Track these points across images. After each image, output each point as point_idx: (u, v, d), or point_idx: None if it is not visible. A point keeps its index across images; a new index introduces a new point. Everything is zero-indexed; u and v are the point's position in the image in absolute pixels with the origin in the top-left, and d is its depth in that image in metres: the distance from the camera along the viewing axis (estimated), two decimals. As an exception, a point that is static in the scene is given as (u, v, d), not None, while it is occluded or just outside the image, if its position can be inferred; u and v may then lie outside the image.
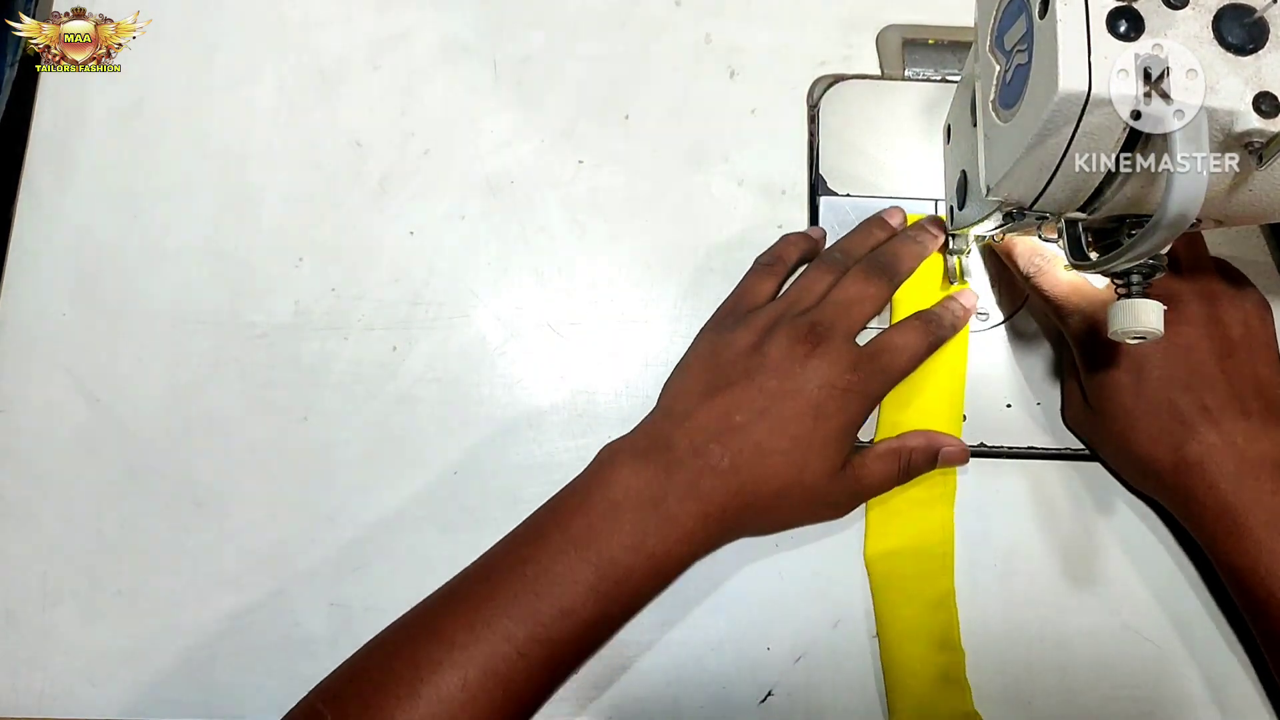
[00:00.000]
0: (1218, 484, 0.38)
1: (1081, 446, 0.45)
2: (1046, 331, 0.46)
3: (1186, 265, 0.42)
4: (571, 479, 0.40)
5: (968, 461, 0.44)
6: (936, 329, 0.43)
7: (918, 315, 0.43)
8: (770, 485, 0.39)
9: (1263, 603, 0.38)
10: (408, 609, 0.37)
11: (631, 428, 0.42)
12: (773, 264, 0.46)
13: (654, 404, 0.43)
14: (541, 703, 0.38)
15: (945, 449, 0.43)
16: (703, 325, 0.45)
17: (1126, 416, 0.40)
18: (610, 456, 0.40)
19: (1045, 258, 0.43)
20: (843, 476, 0.41)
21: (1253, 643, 0.41)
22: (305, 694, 0.36)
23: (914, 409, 0.44)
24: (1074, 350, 0.43)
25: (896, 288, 0.44)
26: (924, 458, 0.42)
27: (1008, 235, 0.45)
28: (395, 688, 0.34)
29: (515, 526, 0.39)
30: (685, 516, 0.38)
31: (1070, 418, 0.45)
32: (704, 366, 0.42)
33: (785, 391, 0.39)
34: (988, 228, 0.41)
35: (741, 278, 0.46)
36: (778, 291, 0.45)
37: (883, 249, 0.45)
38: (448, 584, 0.38)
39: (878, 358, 0.41)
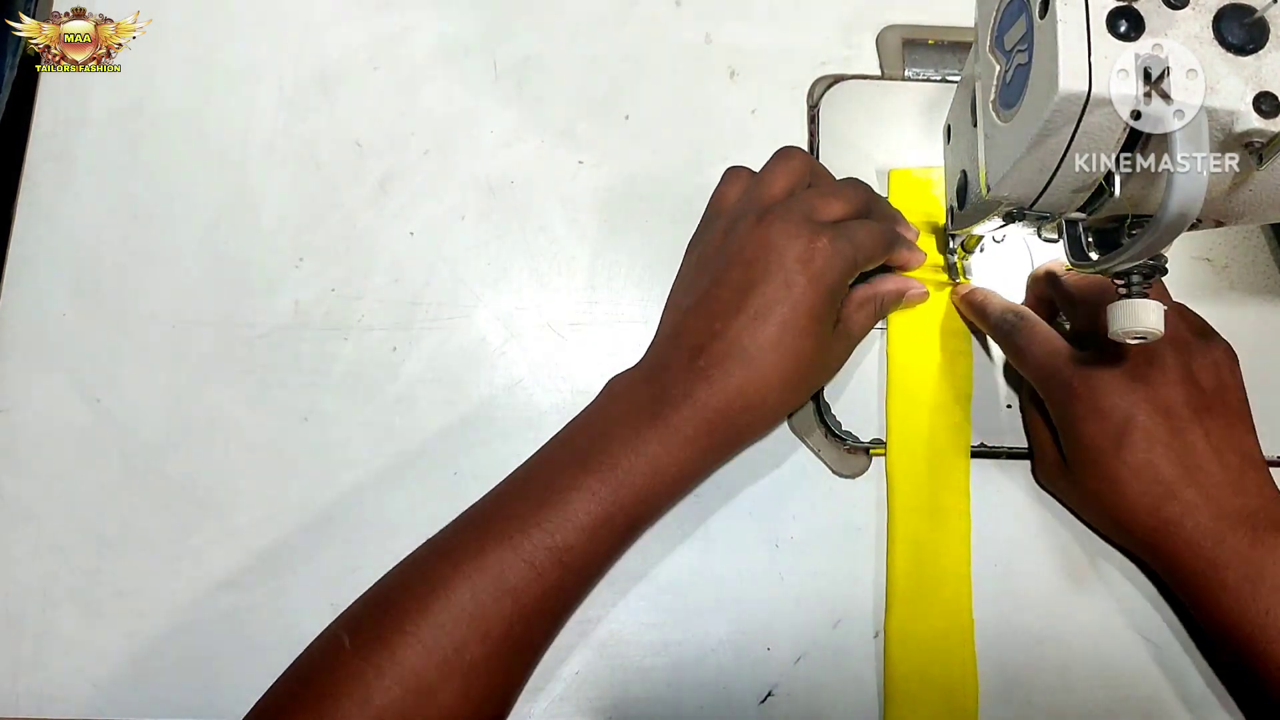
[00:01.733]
0: (1196, 540, 0.38)
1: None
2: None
3: None
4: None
5: (928, 298, 0.45)
6: (892, 230, 0.43)
7: (868, 219, 0.43)
8: (767, 381, 0.39)
9: (1245, 655, 0.37)
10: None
11: None
12: (743, 169, 0.45)
13: None
14: (557, 620, 0.38)
15: (911, 291, 0.45)
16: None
17: (1108, 480, 0.39)
18: (612, 384, 0.41)
19: (1020, 315, 0.43)
20: (832, 340, 0.41)
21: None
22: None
23: (923, 406, 0.44)
24: (1052, 412, 0.41)
25: (861, 215, 0.42)
26: (893, 299, 0.44)
27: (977, 290, 0.45)
28: (408, 603, 0.35)
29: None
30: (684, 423, 0.38)
31: (1044, 475, 0.44)
32: (683, 281, 0.43)
33: (753, 280, 0.39)
34: (988, 228, 0.41)
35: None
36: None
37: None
38: (463, 513, 0.39)
39: (841, 227, 0.40)
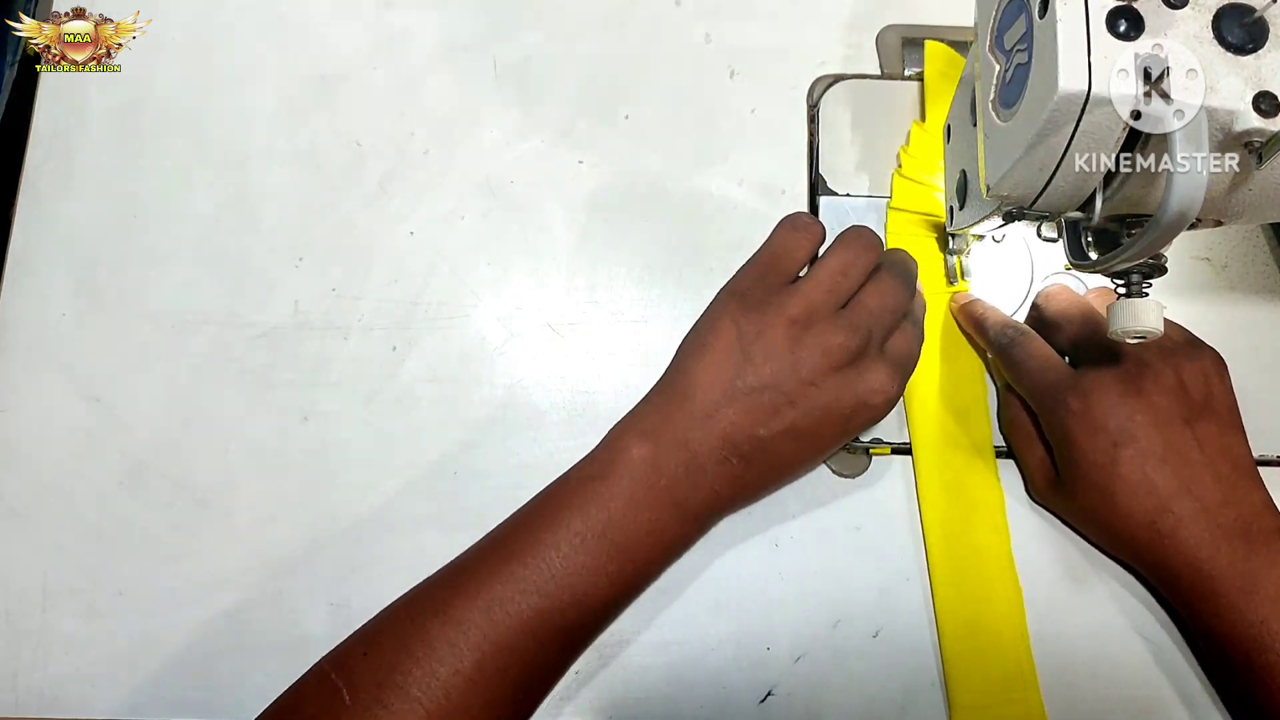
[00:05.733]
0: (1192, 552, 0.38)
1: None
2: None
3: None
4: (584, 458, 0.39)
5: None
6: (919, 328, 0.43)
7: (907, 321, 0.42)
8: (785, 482, 0.43)
9: (1239, 665, 0.38)
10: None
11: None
12: (811, 224, 0.42)
13: None
14: (554, 680, 0.39)
15: None
16: (728, 281, 0.41)
17: (1104, 495, 0.39)
18: (627, 445, 0.38)
19: (1018, 330, 0.43)
20: None
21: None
22: (315, 661, 0.36)
23: (943, 403, 0.45)
24: (1046, 429, 0.42)
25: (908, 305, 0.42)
26: None
27: (976, 302, 0.45)
28: (410, 666, 0.34)
29: (526, 503, 0.39)
30: (704, 514, 0.39)
31: (1037, 491, 0.43)
32: (729, 352, 0.39)
33: (816, 408, 0.38)
34: (988, 227, 0.41)
35: (772, 231, 0.42)
36: (811, 258, 0.42)
37: (898, 251, 0.44)
38: (460, 558, 0.38)
39: (903, 365, 0.40)
